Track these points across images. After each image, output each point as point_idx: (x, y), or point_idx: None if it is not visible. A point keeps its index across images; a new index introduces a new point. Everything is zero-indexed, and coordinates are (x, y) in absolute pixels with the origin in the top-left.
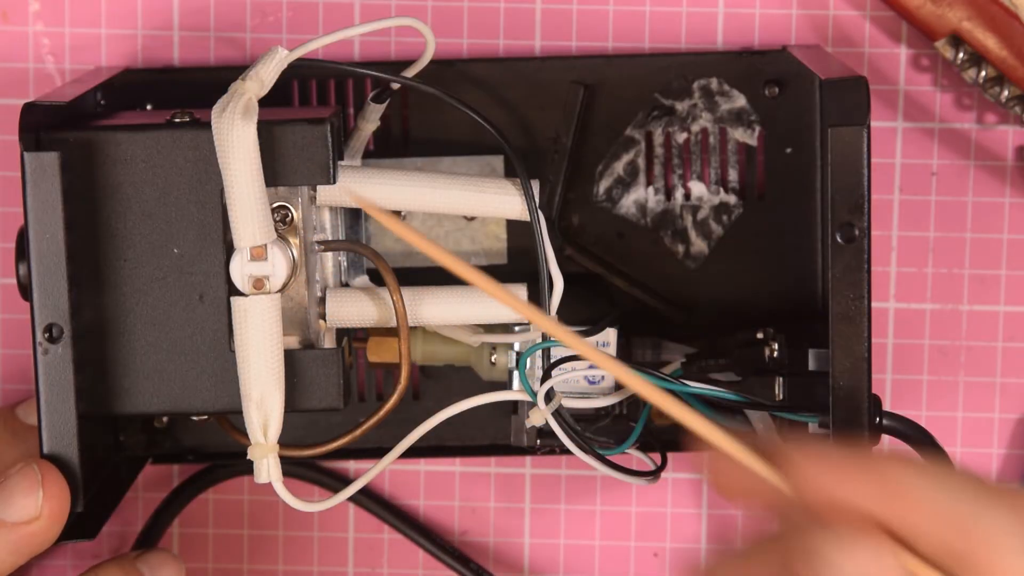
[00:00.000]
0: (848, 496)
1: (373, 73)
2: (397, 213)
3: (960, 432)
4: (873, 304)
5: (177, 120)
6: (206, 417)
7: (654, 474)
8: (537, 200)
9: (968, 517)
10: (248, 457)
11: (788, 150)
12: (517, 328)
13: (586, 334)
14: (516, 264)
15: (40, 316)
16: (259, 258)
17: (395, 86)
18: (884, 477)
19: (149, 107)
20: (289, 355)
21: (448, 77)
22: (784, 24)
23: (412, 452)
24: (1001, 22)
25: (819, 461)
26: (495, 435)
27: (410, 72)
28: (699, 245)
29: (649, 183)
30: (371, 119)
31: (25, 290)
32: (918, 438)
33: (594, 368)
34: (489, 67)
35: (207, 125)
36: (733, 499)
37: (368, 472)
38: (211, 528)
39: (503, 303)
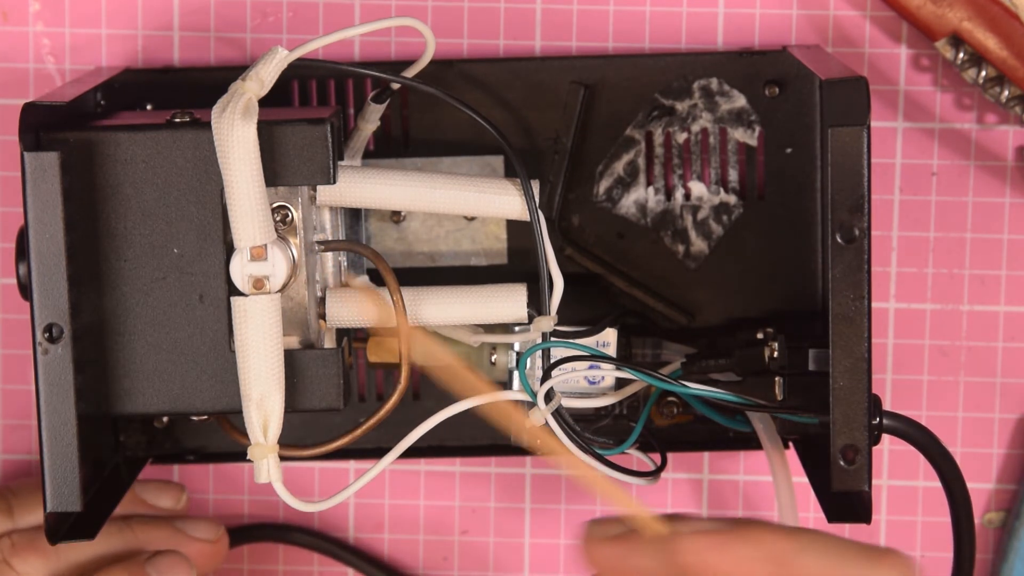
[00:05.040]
0: (739, 569)
1: (373, 73)
2: (397, 213)
3: (960, 432)
4: (873, 304)
5: (177, 120)
6: (206, 417)
7: (654, 474)
8: (537, 200)
9: (853, 574)
10: (248, 457)
11: (788, 150)
12: (517, 328)
13: (586, 334)
14: (516, 264)
15: (40, 316)
16: (259, 258)
17: (395, 86)
18: (766, 547)
19: (149, 107)
20: (289, 355)
21: (448, 77)
22: (784, 24)
23: (412, 452)
24: (1001, 22)
25: (701, 537)
26: (495, 435)
27: (410, 72)
28: (699, 245)
29: (649, 183)
30: (371, 119)
31: (25, 290)
32: (919, 437)
33: (594, 368)
34: (489, 67)
35: (207, 125)
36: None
37: (368, 472)
38: None
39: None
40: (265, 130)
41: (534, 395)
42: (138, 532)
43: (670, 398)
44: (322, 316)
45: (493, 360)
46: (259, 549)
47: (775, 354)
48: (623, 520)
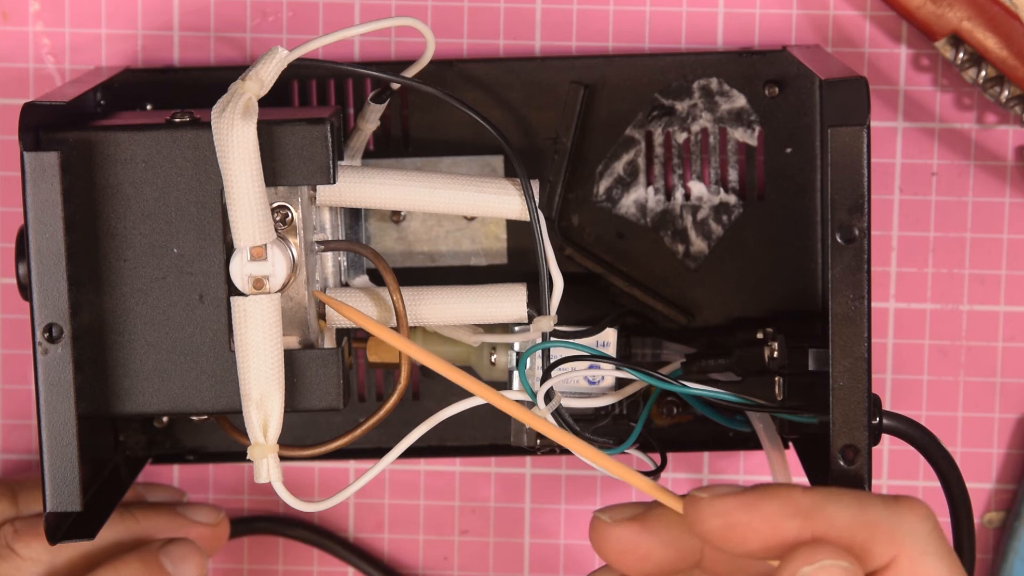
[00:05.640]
0: (767, 525)
1: (373, 73)
2: (397, 213)
3: (960, 432)
4: (873, 304)
5: (177, 120)
6: (206, 417)
7: (654, 474)
8: (537, 200)
9: (878, 521)
10: (248, 457)
11: (788, 150)
12: (517, 328)
13: (586, 334)
14: (516, 264)
15: (40, 316)
16: (259, 258)
17: (395, 86)
18: (792, 503)
19: (149, 107)
20: (289, 355)
21: (448, 77)
22: (784, 24)
23: (412, 452)
24: (1001, 22)
25: (724, 500)
26: (495, 435)
27: (410, 72)
28: (699, 245)
29: (649, 183)
30: (371, 119)
31: (25, 290)
32: (918, 437)
33: (594, 368)
34: (489, 67)
35: (207, 125)
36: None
37: (368, 472)
38: None
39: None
40: (265, 130)
41: (534, 395)
42: (140, 518)
43: (670, 398)
44: (322, 316)
45: (493, 360)
46: (259, 547)
47: (775, 354)
48: (633, 504)
